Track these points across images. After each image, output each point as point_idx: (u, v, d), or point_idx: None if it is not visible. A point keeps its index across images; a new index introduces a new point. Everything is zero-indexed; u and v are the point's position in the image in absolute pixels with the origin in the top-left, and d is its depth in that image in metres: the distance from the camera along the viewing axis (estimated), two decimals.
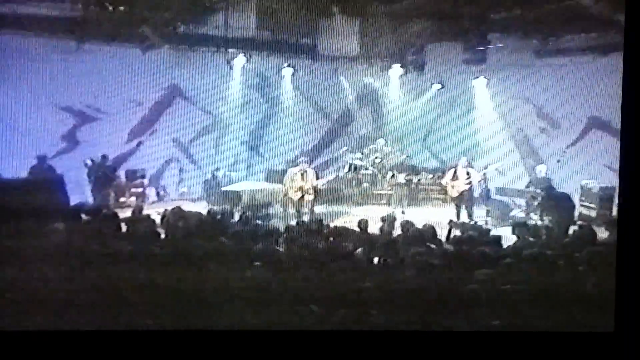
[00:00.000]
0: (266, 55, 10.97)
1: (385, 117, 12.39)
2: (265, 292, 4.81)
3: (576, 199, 9.44)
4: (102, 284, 4.84)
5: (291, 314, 4.47)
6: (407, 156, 11.62)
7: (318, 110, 12.33)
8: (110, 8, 8.71)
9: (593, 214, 9.23)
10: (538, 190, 9.20)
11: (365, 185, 11.33)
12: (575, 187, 9.85)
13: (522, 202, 9.79)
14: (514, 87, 11.32)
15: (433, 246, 6.15)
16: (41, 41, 9.72)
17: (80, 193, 9.76)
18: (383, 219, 6.97)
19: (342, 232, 6.46)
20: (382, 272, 5.27)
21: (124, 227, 6.47)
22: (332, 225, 6.97)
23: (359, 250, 5.76)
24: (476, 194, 10.02)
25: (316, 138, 12.40)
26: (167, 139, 11.99)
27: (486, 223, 8.89)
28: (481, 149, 11.31)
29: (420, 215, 8.98)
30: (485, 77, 11.55)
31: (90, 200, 9.40)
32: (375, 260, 5.57)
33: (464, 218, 9.22)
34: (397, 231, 6.83)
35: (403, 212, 9.75)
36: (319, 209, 9.74)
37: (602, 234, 6.20)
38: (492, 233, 7.04)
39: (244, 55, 11.10)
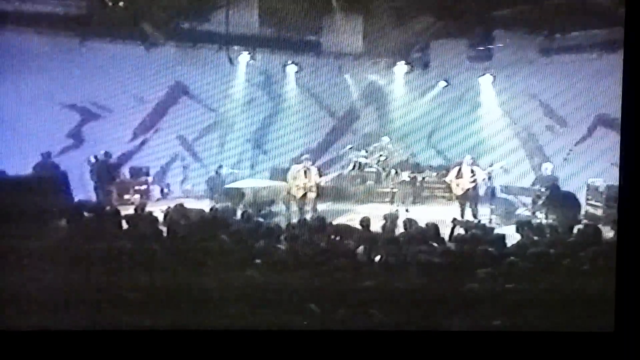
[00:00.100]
0: (270, 53, 10.92)
1: (390, 115, 12.30)
2: (265, 291, 4.78)
3: (582, 198, 9.37)
4: (101, 282, 4.83)
5: (290, 313, 4.44)
6: (412, 154, 11.55)
7: (323, 108, 12.27)
8: (110, 4, 8.68)
9: (599, 212, 9.12)
10: (543, 189, 9.11)
11: (369, 183, 11.27)
12: (582, 185, 9.76)
13: (527, 200, 9.70)
14: (520, 85, 11.19)
15: (435, 244, 6.12)
16: (44, 39, 9.73)
17: (85, 190, 9.80)
18: (385, 217, 6.94)
19: (344, 230, 6.43)
20: (383, 271, 5.23)
21: (124, 225, 6.46)
22: (334, 223, 6.94)
23: (360, 249, 5.73)
24: (481, 192, 9.95)
25: (321, 136, 12.33)
26: (172, 136, 11.98)
27: (490, 221, 8.81)
28: (487, 147, 11.20)
29: (425, 214, 8.92)
30: (491, 75, 11.44)
31: (93, 197, 9.40)
32: (377, 258, 5.53)
33: (468, 216, 9.14)
34: (399, 229, 6.79)
35: (407, 210, 9.68)
36: (322, 206, 9.70)
37: (608, 233, 6.12)
38: (496, 232, 7.01)
39: (248, 53, 11.07)
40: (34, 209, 6.61)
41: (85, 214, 6.87)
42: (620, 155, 3.89)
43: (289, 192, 9.00)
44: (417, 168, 10.99)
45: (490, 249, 5.40)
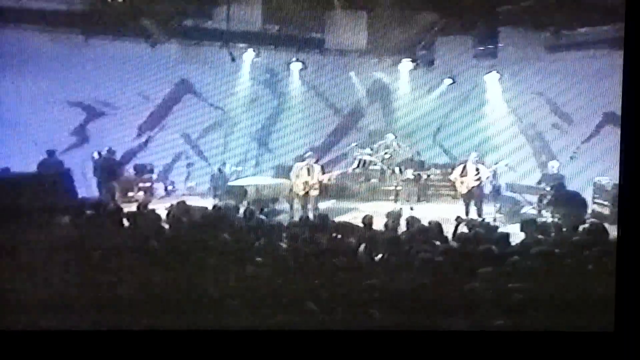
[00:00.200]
0: (274, 50, 10.89)
1: (395, 113, 12.25)
2: (264, 289, 4.75)
3: (589, 196, 9.27)
4: (100, 280, 4.81)
5: (289, 312, 4.40)
6: (417, 152, 11.49)
7: (328, 105, 12.25)
8: (110, 0, 8.69)
9: (606, 211, 9.03)
10: (548, 189, 9.02)
11: (374, 181, 11.23)
12: (588, 183, 9.66)
13: (533, 199, 9.62)
14: (527, 82, 11.10)
15: (438, 243, 6.06)
16: (48, 37, 9.75)
17: (89, 188, 9.82)
18: (388, 215, 6.88)
19: (346, 228, 6.39)
20: (384, 270, 5.18)
21: (125, 222, 6.46)
22: (336, 221, 6.89)
23: (362, 247, 5.69)
24: (486, 190, 9.88)
25: (326, 134, 12.32)
26: (177, 134, 12.00)
27: (494, 220, 8.73)
28: (493, 145, 11.14)
29: (430, 212, 8.88)
30: (497, 72, 11.36)
31: (97, 194, 9.42)
32: (378, 257, 5.48)
33: (473, 215, 9.07)
34: (402, 227, 6.74)
35: (412, 209, 9.64)
36: (326, 204, 9.68)
37: (615, 232, 6.03)
38: (501, 230, 6.94)
39: (254, 50, 11.05)
40: (38, 207, 6.64)
41: (88, 212, 6.85)
42: (621, 155, 3.84)
43: (291, 190, 8.97)
44: (421, 166, 10.93)
45: (493, 247, 5.32)
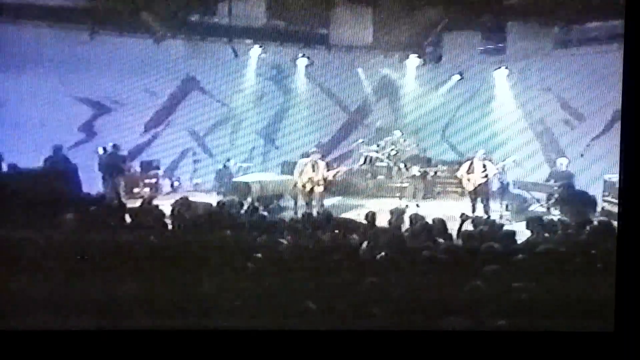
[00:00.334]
0: (280, 46, 10.85)
1: (402, 109, 12.17)
2: (263, 287, 4.70)
3: (599, 194, 9.12)
4: (100, 278, 4.79)
5: (288, 311, 4.35)
6: (423, 149, 11.40)
7: (334, 101, 12.19)
8: None
9: (616, 209, 8.86)
10: (556, 187, 8.89)
11: (380, 177, 11.16)
12: (598, 181, 9.51)
13: (541, 196, 9.49)
14: (536, 78, 10.97)
15: (441, 240, 5.98)
16: (54, 32, 9.78)
17: (95, 184, 9.84)
18: (392, 212, 6.81)
19: (348, 225, 6.33)
20: (385, 268, 5.10)
21: (128, 218, 6.45)
22: (339, 217, 6.84)
23: (364, 245, 5.62)
24: (494, 187, 9.77)
25: (332, 130, 12.29)
26: (183, 130, 12.01)
27: (501, 217, 8.63)
28: (501, 142, 11.03)
29: (436, 209, 8.81)
30: (506, 68, 11.22)
31: (102, 190, 9.44)
32: (380, 255, 5.41)
33: (480, 212, 8.97)
34: (406, 224, 6.67)
35: (418, 206, 9.56)
36: (332, 201, 9.63)
37: None
38: (508, 228, 6.84)
39: (260, 46, 11.02)
40: (42, 203, 6.65)
41: (91, 208, 6.85)
42: (621, 155, 3.78)
43: (295, 186, 8.92)
44: (428, 163, 10.83)
45: (496, 245, 5.23)
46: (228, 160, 11.02)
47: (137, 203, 7.90)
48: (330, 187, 9.14)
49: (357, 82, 11.88)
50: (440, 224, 6.30)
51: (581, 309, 3.73)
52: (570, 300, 3.85)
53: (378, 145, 11.33)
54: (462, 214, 6.93)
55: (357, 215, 7.56)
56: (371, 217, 6.48)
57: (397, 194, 9.66)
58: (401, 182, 9.93)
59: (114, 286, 4.70)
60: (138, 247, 5.30)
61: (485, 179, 9.26)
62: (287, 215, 8.36)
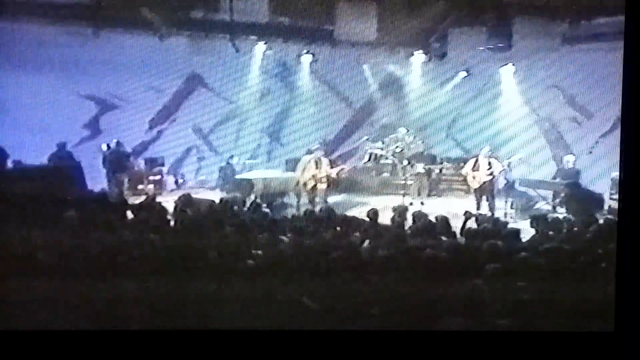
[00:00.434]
0: (284, 42, 10.79)
1: (408, 106, 12.08)
2: (262, 285, 4.67)
3: (606, 193, 9.00)
4: (100, 275, 4.77)
5: (287, 311, 4.32)
6: (428, 146, 11.31)
7: (339, 98, 12.13)
8: None
9: None
10: (562, 185, 8.79)
11: (385, 175, 11.09)
12: (606, 179, 9.39)
13: (547, 194, 9.39)
14: (543, 75, 10.82)
15: (444, 238, 5.93)
16: (58, 29, 9.79)
17: (99, 181, 9.85)
18: (394, 210, 6.76)
19: (350, 222, 6.28)
20: (386, 266, 5.04)
21: (129, 215, 6.44)
22: (342, 215, 6.79)
23: (365, 243, 5.58)
24: (499, 185, 9.67)
25: (338, 127, 12.21)
26: (188, 127, 12.00)
27: (505, 215, 8.55)
28: (508, 139, 10.90)
29: (441, 206, 8.74)
30: (513, 65, 11.11)
31: (106, 187, 9.45)
32: (380, 252, 5.36)
33: (485, 210, 8.89)
34: (409, 222, 6.61)
35: (422, 203, 9.50)
36: (336, 198, 9.57)
37: None
38: (514, 226, 6.78)
39: (264, 43, 10.97)
40: (45, 200, 6.65)
41: (93, 204, 6.84)
42: (621, 154, 3.72)
43: (297, 184, 8.88)
44: (433, 160, 10.75)
45: (498, 243, 5.17)
46: (231, 157, 11.00)
47: (141, 200, 7.89)
48: (333, 185, 9.08)
49: (362, 79, 11.79)
50: (443, 222, 6.25)
51: (584, 309, 3.67)
52: (572, 300, 3.79)
53: (383, 143, 11.26)
54: (466, 212, 6.88)
55: (360, 213, 7.51)
56: (373, 214, 6.44)
57: (402, 192, 9.59)
58: (405, 180, 9.85)
59: (114, 284, 4.69)
60: (138, 244, 5.28)
61: (490, 177, 9.17)
62: (290, 212, 8.32)
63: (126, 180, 9.77)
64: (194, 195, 7.91)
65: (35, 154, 9.54)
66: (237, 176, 9.88)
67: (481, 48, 10.49)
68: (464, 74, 11.51)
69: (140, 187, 10.18)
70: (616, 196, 9.03)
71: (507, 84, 11.33)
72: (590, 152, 10.38)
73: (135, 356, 4.29)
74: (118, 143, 9.99)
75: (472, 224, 6.74)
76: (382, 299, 4.53)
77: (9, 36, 9.35)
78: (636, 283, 3.30)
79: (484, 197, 9.16)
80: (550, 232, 6.26)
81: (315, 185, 8.73)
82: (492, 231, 6.06)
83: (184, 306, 4.51)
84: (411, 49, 11.08)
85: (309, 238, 5.67)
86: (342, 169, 9.35)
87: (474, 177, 9.28)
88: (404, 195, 9.27)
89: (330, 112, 12.00)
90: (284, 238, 5.74)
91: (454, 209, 7.82)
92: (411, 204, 9.18)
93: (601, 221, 6.59)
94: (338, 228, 6.09)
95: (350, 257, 5.08)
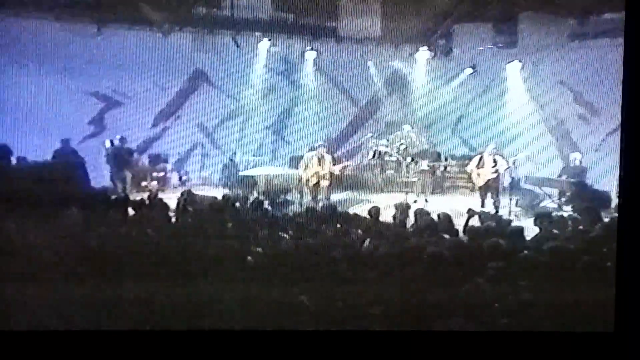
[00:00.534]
0: (288, 39, 10.75)
1: (413, 104, 12.01)
2: (261, 283, 4.62)
3: (613, 190, 8.89)
4: (99, 273, 4.75)
5: (284, 309, 4.27)
6: (432, 143, 11.24)
7: (343, 94, 12.09)
8: None
9: None
10: (568, 183, 8.69)
11: (389, 172, 11.03)
12: (613, 177, 9.26)
13: (553, 192, 9.29)
14: (550, 72, 10.74)
15: (446, 236, 5.86)
16: (62, 26, 9.81)
17: (103, 177, 9.87)
18: (396, 207, 6.70)
19: (352, 220, 6.23)
20: (386, 265, 4.99)
21: (131, 211, 6.43)
22: (343, 212, 6.73)
23: (366, 242, 5.52)
24: (505, 182, 9.57)
25: (342, 124, 12.18)
26: (192, 124, 12.00)
27: (509, 213, 8.45)
28: (514, 137, 10.82)
29: (445, 204, 8.68)
30: (519, 61, 11.01)
31: (107, 184, 9.47)
32: (381, 250, 5.31)
33: (489, 208, 8.80)
34: (411, 220, 6.55)
35: (426, 201, 9.43)
36: (340, 195, 9.53)
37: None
38: (519, 224, 6.69)
39: (269, 40, 10.94)
40: (46, 197, 6.64)
41: (95, 201, 6.83)
42: (621, 154, 3.66)
43: (300, 180, 8.84)
44: (437, 157, 10.68)
45: (502, 241, 5.10)
46: (234, 153, 10.98)
47: (144, 196, 7.89)
48: (336, 182, 9.03)
49: (366, 76, 11.75)
50: (446, 220, 6.17)
51: (586, 309, 3.60)
52: (574, 300, 3.72)
53: (387, 140, 11.20)
54: (469, 210, 6.79)
55: (363, 210, 7.46)
56: (375, 212, 6.38)
57: (406, 189, 9.54)
58: (407, 177, 9.79)
59: (113, 282, 4.66)
60: (137, 242, 5.26)
61: (495, 174, 9.08)
62: (293, 209, 8.28)
63: (129, 176, 9.76)
64: (197, 192, 7.88)
65: (39, 150, 9.56)
66: (240, 173, 9.85)
67: (489, 45, 10.39)
68: (469, 70, 11.44)
69: (143, 183, 10.18)
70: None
71: (514, 81, 11.24)
72: (597, 150, 10.26)
73: (134, 356, 4.26)
74: (121, 139, 9.99)
75: (475, 222, 6.66)
76: (382, 299, 4.47)
77: (13, 34, 9.39)
78: (636, 283, 3.24)
79: (489, 195, 9.07)
80: (555, 231, 6.16)
81: (318, 183, 8.68)
82: (495, 229, 5.97)
83: (182, 305, 4.47)
84: (416, 46, 11.00)
85: (310, 236, 5.61)
86: (345, 166, 9.29)
87: (478, 175, 9.20)
88: (406, 192, 9.21)
89: (334, 109, 11.97)
90: (284, 235, 5.69)
91: (458, 206, 7.75)
92: (415, 201, 9.12)
93: (607, 220, 6.49)
94: (338, 225, 6.02)
95: (350, 256, 5.03)
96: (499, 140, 10.05)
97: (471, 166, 9.33)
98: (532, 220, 6.96)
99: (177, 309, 4.43)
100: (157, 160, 10.94)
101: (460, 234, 6.19)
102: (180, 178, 11.24)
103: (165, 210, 6.80)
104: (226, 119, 12.07)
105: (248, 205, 7.31)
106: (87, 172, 9.04)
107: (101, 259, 4.98)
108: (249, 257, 5.10)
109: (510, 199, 8.82)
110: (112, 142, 10.13)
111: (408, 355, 4.07)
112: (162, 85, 11.58)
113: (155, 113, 11.82)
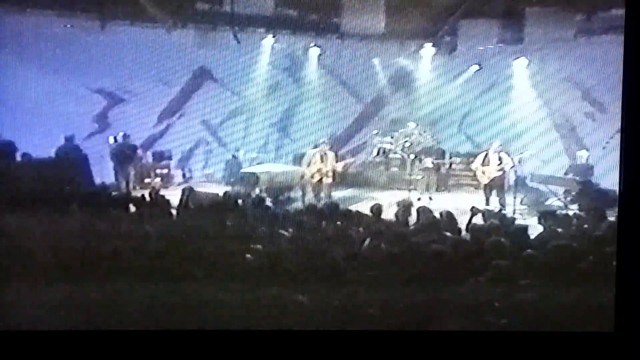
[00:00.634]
0: (292, 35, 10.68)
1: (418, 100, 11.90)
2: (260, 282, 4.58)
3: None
4: (100, 270, 4.72)
5: (282, 309, 4.23)
6: (437, 141, 11.14)
7: (347, 91, 12.00)
8: None
9: None
10: (574, 181, 8.58)
11: (393, 170, 10.95)
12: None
13: (559, 190, 9.18)
14: (557, 68, 10.57)
15: (448, 234, 5.79)
16: (65, 21, 9.80)
17: (106, 174, 9.87)
18: (399, 205, 6.64)
19: (353, 217, 6.18)
20: (386, 264, 4.93)
21: (132, 208, 6.42)
22: (344, 209, 6.68)
23: (367, 241, 5.46)
24: (510, 180, 9.47)
25: (347, 121, 12.10)
26: (196, 121, 11.97)
27: (514, 212, 8.35)
28: (519, 134, 10.68)
29: (449, 202, 8.59)
30: (526, 58, 10.87)
31: (112, 180, 9.46)
32: (381, 249, 5.25)
33: (494, 206, 8.71)
34: (413, 217, 6.49)
35: (431, 199, 9.36)
36: (343, 193, 9.47)
37: None
38: (523, 223, 6.62)
39: (273, 36, 10.88)
40: (52, 193, 6.64)
41: (96, 198, 6.83)
42: (621, 154, 3.59)
43: (302, 178, 8.80)
44: (442, 155, 10.59)
45: (504, 240, 5.03)
46: (237, 150, 10.94)
47: (145, 193, 7.87)
48: (339, 179, 8.98)
49: (371, 73, 11.65)
50: (448, 218, 6.12)
51: (587, 309, 3.54)
52: (574, 300, 3.66)
53: (392, 137, 11.12)
54: (472, 207, 6.72)
55: (366, 208, 7.39)
56: (377, 209, 6.32)
57: (410, 187, 9.46)
58: (410, 175, 9.72)
59: (111, 281, 4.63)
60: (136, 238, 5.24)
61: (500, 172, 8.99)
62: (295, 206, 8.22)
63: (132, 173, 9.75)
64: (200, 189, 7.86)
65: (43, 147, 9.57)
66: (243, 170, 9.82)
67: (495, 42, 10.27)
68: (475, 67, 11.32)
69: (147, 180, 10.19)
70: None
71: (520, 78, 11.10)
72: (605, 147, 10.12)
73: (134, 356, 4.23)
74: (125, 136, 9.98)
75: (479, 220, 6.59)
76: (382, 298, 4.42)
77: (16, 31, 9.39)
78: (636, 283, 3.18)
79: (494, 193, 8.99)
80: (559, 229, 6.08)
81: (320, 180, 8.63)
82: (498, 227, 5.90)
83: (180, 304, 4.44)
84: (421, 42, 10.89)
85: (310, 233, 5.57)
86: (348, 164, 9.23)
87: (483, 172, 9.11)
88: (409, 190, 9.14)
89: (339, 106, 11.88)
90: (284, 233, 5.65)
91: (462, 204, 7.66)
92: (419, 199, 9.05)
93: (612, 218, 6.39)
94: (339, 223, 5.97)
95: (349, 255, 4.97)
96: (504, 138, 9.93)
97: (476, 164, 9.24)
98: (535, 218, 6.89)
99: (176, 308, 4.40)
100: (161, 157, 10.92)
101: (463, 232, 6.14)
102: (183, 175, 11.23)
103: (166, 207, 6.79)
104: (230, 116, 12.02)
105: (249, 203, 7.28)
106: (90, 169, 9.05)
107: (100, 257, 4.96)
108: (248, 255, 5.07)
109: (515, 197, 8.72)
110: (115, 138, 10.12)
111: (408, 355, 4.02)
112: (166, 82, 11.54)
113: (160, 110, 11.79)
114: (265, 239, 5.46)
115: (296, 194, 9.11)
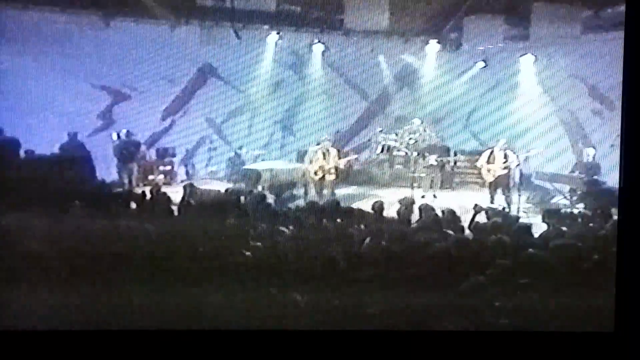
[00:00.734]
0: (296, 31, 10.63)
1: (423, 97, 11.83)
2: (259, 281, 4.54)
3: None
4: (100, 269, 4.70)
5: (281, 308, 4.19)
6: (441, 138, 11.06)
7: (351, 87, 11.94)
8: None
9: None
10: (581, 179, 8.48)
11: (398, 167, 10.88)
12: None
13: (565, 188, 9.08)
14: (564, 65, 10.47)
15: (451, 232, 5.72)
16: (70, 18, 9.80)
17: (109, 171, 9.87)
18: (401, 202, 6.57)
19: (355, 214, 6.13)
20: (386, 263, 4.87)
21: (133, 205, 6.40)
22: (346, 207, 6.62)
23: (367, 240, 5.41)
24: (515, 178, 9.38)
25: (352, 118, 12.04)
26: (200, 118, 11.95)
27: (518, 210, 8.26)
28: (526, 131, 10.59)
29: (454, 200, 8.53)
30: (532, 55, 10.76)
31: (115, 177, 9.46)
32: (382, 248, 5.19)
33: (499, 204, 8.63)
34: (415, 215, 6.43)
35: (435, 196, 9.29)
36: (346, 190, 9.43)
37: None
38: (528, 221, 6.54)
39: (277, 33, 10.84)
40: (54, 190, 6.63)
41: (98, 195, 6.82)
42: (621, 153, 3.53)
43: (304, 175, 8.76)
44: (447, 152, 10.50)
45: (504, 238, 4.95)
46: (240, 147, 10.92)
47: (147, 190, 7.85)
48: (342, 176, 8.93)
49: (376, 70, 11.58)
50: (450, 216, 6.05)
51: (588, 309, 3.48)
52: (575, 300, 3.59)
53: (396, 134, 11.06)
54: (476, 205, 6.65)
55: (369, 205, 7.33)
56: (378, 207, 6.27)
57: (414, 184, 9.39)
58: (414, 172, 9.65)
59: (111, 280, 4.61)
60: (136, 236, 5.21)
61: (506, 170, 8.91)
62: (297, 204, 8.18)
63: (136, 169, 9.76)
64: (203, 186, 7.84)
65: (47, 144, 9.58)
66: (245, 167, 9.79)
67: (501, 38, 10.17)
68: (481, 64, 11.23)
69: (150, 177, 10.19)
70: None
71: (526, 74, 11.00)
72: (612, 145, 10.00)
73: (134, 356, 4.22)
74: (128, 132, 9.98)
75: (482, 218, 6.52)
76: (382, 297, 4.38)
77: (20, 26, 9.40)
78: (636, 283, 3.12)
79: (499, 191, 8.91)
80: (563, 228, 6.00)
81: (323, 177, 8.58)
82: (502, 226, 5.83)
83: (179, 304, 4.41)
84: (426, 38, 10.81)
85: (310, 231, 5.52)
86: (350, 160, 9.17)
87: (488, 170, 9.04)
88: (412, 188, 9.07)
89: (343, 104, 11.82)
90: (284, 229, 5.61)
91: (467, 202, 7.58)
92: (423, 197, 8.99)
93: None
94: (339, 220, 5.92)
95: (349, 254, 4.92)
96: (510, 135, 9.84)
97: (481, 161, 9.17)
98: (540, 216, 6.80)
99: (175, 307, 4.38)
100: (164, 153, 10.91)
101: (466, 230, 6.07)
102: (187, 172, 11.22)
103: (167, 204, 6.77)
104: (234, 113, 11.99)
105: (251, 199, 7.24)
106: (93, 165, 9.05)
107: (99, 256, 4.94)
108: (247, 252, 5.03)
109: (520, 195, 8.63)
110: (118, 135, 10.13)
111: (408, 355, 3.98)
112: (170, 78, 11.52)
113: (164, 106, 11.78)
114: (266, 237, 5.43)
115: (298, 191, 9.08)
